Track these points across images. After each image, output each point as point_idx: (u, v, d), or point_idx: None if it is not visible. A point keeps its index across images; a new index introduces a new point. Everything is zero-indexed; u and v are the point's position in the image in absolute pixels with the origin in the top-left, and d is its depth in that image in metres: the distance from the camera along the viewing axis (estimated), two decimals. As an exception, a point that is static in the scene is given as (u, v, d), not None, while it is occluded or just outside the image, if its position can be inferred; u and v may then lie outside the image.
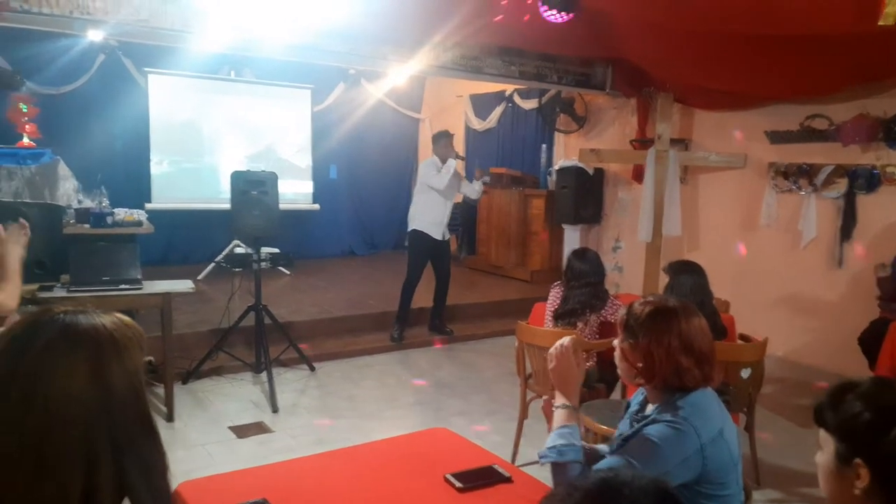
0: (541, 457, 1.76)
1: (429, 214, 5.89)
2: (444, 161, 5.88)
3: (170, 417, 4.13)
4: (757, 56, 4.94)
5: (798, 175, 5.91)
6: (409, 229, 5.98)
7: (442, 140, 5.99)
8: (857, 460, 1.13)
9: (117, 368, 0.93)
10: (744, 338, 3.79)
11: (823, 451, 1.21)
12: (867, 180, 5.43)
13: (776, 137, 6.04)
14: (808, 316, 5.91)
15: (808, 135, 5.80)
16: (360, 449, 2.16)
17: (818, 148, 5.76)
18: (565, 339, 1.88)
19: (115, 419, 0.91)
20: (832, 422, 1.18)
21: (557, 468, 1.72)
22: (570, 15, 4.73)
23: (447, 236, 6.07)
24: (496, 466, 1.92)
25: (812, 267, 5.89)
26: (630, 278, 7.26)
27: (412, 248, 6.02)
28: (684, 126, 6.92)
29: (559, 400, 1.85)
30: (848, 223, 5.60)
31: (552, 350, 1.87)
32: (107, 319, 0.96)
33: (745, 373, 3.42)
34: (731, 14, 4.05)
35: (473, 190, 6.15)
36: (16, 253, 2.20)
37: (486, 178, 6.24)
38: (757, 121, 6.19)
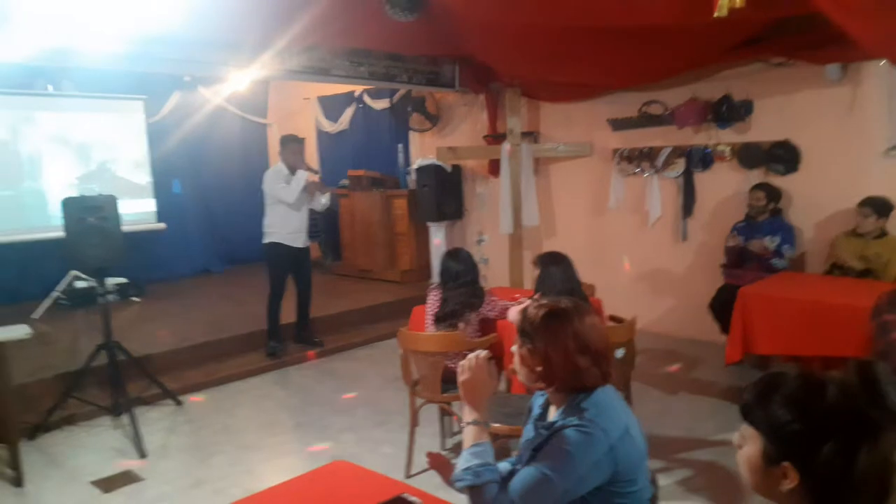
0: (456, 481, 1.69)
1: (286, 224, 5.58)
2: (291, 169, 5.52)
3: (18, 482, 3.62)
4: (594, 48, 5.17)
5: (640, 158, 6.30)
6: (266, 241, 5.63)
7: (290, 145, 5.61)
8: (786, 464, 1.13)
9: None
10: (614, 319, 3.95)
11: (748, 444, 1.20)
12: (702, 159, 5.90)
13: (618, 125, 6.40)
14: (662, 288, 6.34)
15: (646, 120, 6.20)
16: (256, 499, 1.97)
17: (656, 132, 6.17)
18: (480, 352, 1.84)
19: None
20: (760, 422, 1.17)
21: (474, 491, 1.66)
22: (415, 15, 4.71)
23: (307, 243, 5.80)
24: (405, 496, 1.83)
25: (660, 243, 6.31)
26: (496, 269, 7.41)
27: (271, 262, 5.70)
28: (532, 119, 7.16)
29: (469, 416, 1.79)
30: (688, 200, 6.05)
31: (464, 363, 1.81)
32: None
33: (620, 353, 3.57)
34: (565, 9, 4.19)
35: (318, 203, 5.79)
36: None
37: (327, 198, 5.84)
38: (599, 110, 6.52)
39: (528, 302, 1.92)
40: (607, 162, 6.58)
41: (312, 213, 8.92)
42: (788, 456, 1.13)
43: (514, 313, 3.74)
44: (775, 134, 5.47)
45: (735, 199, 5.65)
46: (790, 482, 1.12)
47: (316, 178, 6.11)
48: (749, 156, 5.62)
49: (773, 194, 5.16)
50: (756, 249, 4.96)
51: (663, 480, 3.47)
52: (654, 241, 6.36)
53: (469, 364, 1.80)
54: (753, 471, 1.19)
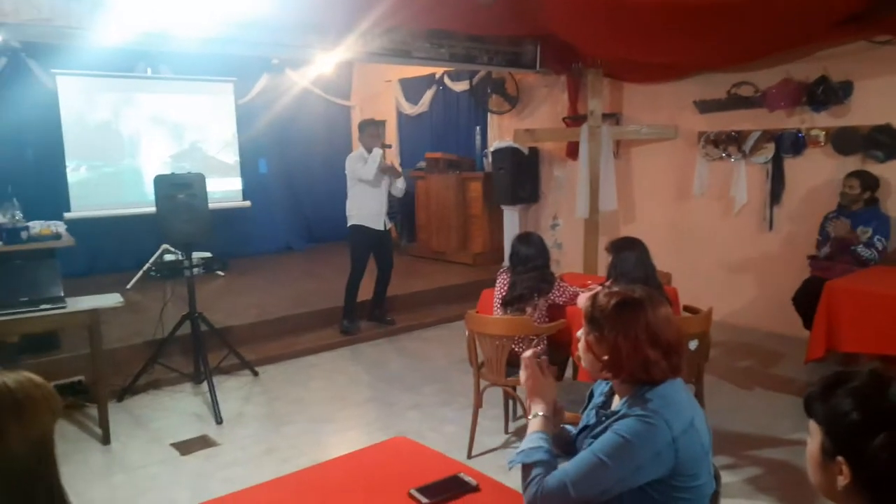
0: (510, 462, 1.71)
1: (366, 207, 5.74)
2: (369, 150, 5.69)
3: (106, 440, 3.90)
4: (683, 26, 4.97)
5: (727, 142, 6.03)
6: (349, 224, 5.81)
7: (367, 129, 5.79)
8: (840, 458, 1.11)
9: (17, 431, 0.80)
10: (688, 309, 3.82)
11: (811, 440, 1.19)
12: (793, 144, 5.58)
13: (705, 107, 6.14)
14: (744, 279, 6.08)
15: (735, 102, 5.92)
16: (318, 469, 2.04)
17: (745, 115, 5.88)
18: (527, 354, 1.83)
19: (14, 483, 0.78)
20: (820, 415, 1.16)
21: (525, 469, 1.67)
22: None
23: (388, 225, 5.93)
24: (461, 475, 1.84)
25: (745, 231, 6.04)
26: (570, 255, 7.32)
27: (354, 244, 5.86)
28: (615, 100, 6.97)
29: (534, 409, 1.79)
30: (777, 187, 5.75)
31: (522, 372, 1.83)
32: (11, 379, 0.83)
33: (693, 344, 3.46)
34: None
35: (396, 188, 5.96)
36: None
37: (402, 181, 5.97)
38: (685, 91, 6.28)
39: (598, 288, 1.88)
40: (692, 146, 6.34)
41: (390, 194, 9.09)
42: (843, 450, 1.12)
43: (583, 300, 3.68)
44: (876, 118, 5.11)
45: (828, 187, 5.32)
46: (844, 479, 1.11)
47: (390, 152, 6.21)
48: (845, 141, 5.28)
49: (870, 182, 4.83)
50: (840, 233, 4.65)
51: (731, 477, 3.35)
52: (738, 230, 6.09)
53: (524, 364, 1.82)
54: (815, 468, 1.19)
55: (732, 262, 6.15)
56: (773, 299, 5.57)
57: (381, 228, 5.80)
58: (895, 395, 1.11)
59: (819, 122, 5.44)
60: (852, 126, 5.25)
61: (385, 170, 5.77)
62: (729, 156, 6.03)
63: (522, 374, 1.82)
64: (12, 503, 0.80)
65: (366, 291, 5.99)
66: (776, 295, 5.42)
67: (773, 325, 5.64)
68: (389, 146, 5.92)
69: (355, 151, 5.86)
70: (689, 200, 6.42)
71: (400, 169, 6.11)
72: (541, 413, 1.77)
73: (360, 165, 5.65)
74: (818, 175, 5.48)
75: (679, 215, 6.53)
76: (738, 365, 5.11)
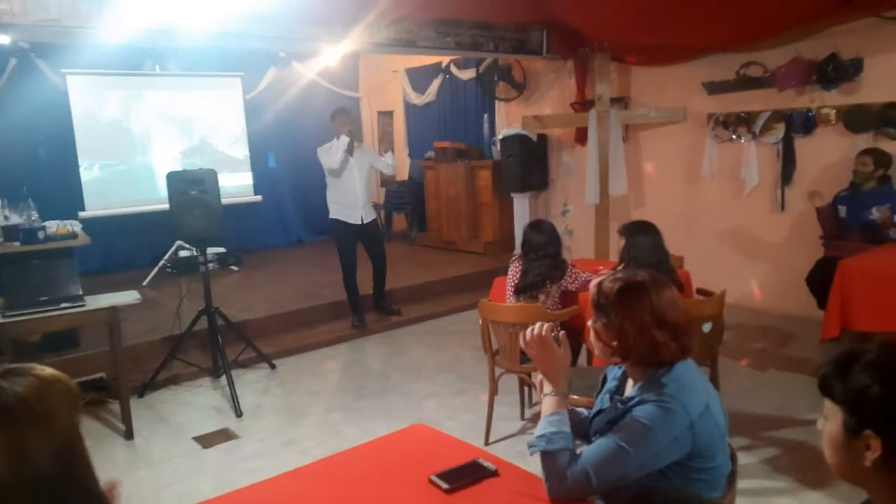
0: (530, 446, 1.72)
1: (341, 199, 5.65)
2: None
3: (129, 435, 3.97)
4: (689, 6, 4.95)
5: (737, 124, 6.00)
6: (329, 217, 5.73)
7: (338, 117, 5.65)
8: (868, 432, 1.11)
9: (37, 439, 0.79)
10: (702, 292, 3.83)
11: (829, 421, 1.18)
12: (804, 123, 5.55)
13: (713, 88, 6.11)
14: (757, 261, 6.06)
15: (744, 83, 5.88)
16: (338, 458, 2.07)
17: (755, 95, 5.84)
18: (536, 326, 1.80)
19: (43, 496, 0.78)
20: (839, 394, 1.15)
21: (547, 457, 1.67)
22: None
23: (368, 218, 5.74)
24: (480, 461, 1.86)
25: (756, 213, 6.02)
26: (581, 241, 7.32)
27: (335, 238, 5.82)
28: (622, 84, 6.94)
29: (546, 388, 1.80)
30: (787, 167, 5.72)
31: (527, 338, 1.81)
32: (20, 384, 0.82)
33: (707, 327, 3.46)
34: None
35: (385, 165, 5.78)
36: None
37: (390, 157, 5.72)
38: (694, 73, 6.24)
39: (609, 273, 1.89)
40: (701, 128, 6.30)
41: (399, 184, 9.04)
42: (870, 423, 1.10)
43: (594, 286, 3.69)
44: (888, 94, 5.07)
45: (839, 165, 5.28)
46: (873, 452, 1.10)
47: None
48: (857, 119, 5.24)
49: (883, 160, 4.79)
50: (880, 218, 4.60)
51: (748, 458, 3.37)
52: (749, 211, 6.07)
53: (532, 340, 1.79)
54: (836, 449, 1.17)
55: (745, 244, 6.13)
56: (786, 280, 5.56)
57: (359, 222, 5.65)
58: None
59: (829, 100, 5.40)
60: (864, 103, 5.20)
61: (352, 149, 5.55)
62: (739, 137, 6.00)
63: (533, 350, 1.80)
64: None
65: (368, 285, 6.00)
66: (790, 276, 5.41)
67: (788, 306, 5.63)
68: (352, 131, 5.64)
69: (326, 143, 5.68)
70: (700, 183, 6.39)
71: (387, 154, 5.89)
72: (555, 391, 1.78)
73: (327, 154, 5.56)
74: (829, 154, 5.44)
75: (690, 198, 6.51)
76: (751, 346, 5.11)
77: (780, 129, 5.70)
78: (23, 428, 0.78)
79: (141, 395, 4.55)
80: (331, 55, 7.84)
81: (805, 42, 5.41)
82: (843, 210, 4.84)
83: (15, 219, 5.03)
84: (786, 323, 5.53)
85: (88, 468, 0.86)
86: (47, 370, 0.87)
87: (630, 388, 1.79)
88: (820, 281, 4.63)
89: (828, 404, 1.19)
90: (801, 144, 5.64)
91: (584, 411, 1.99)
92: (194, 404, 4.47)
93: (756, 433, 3.66)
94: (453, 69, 8.50)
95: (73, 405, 0.84)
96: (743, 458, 3.33)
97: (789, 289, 5.43)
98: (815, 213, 4.98)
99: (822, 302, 4.48)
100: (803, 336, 5.13)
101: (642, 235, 3.44)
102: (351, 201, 5.65)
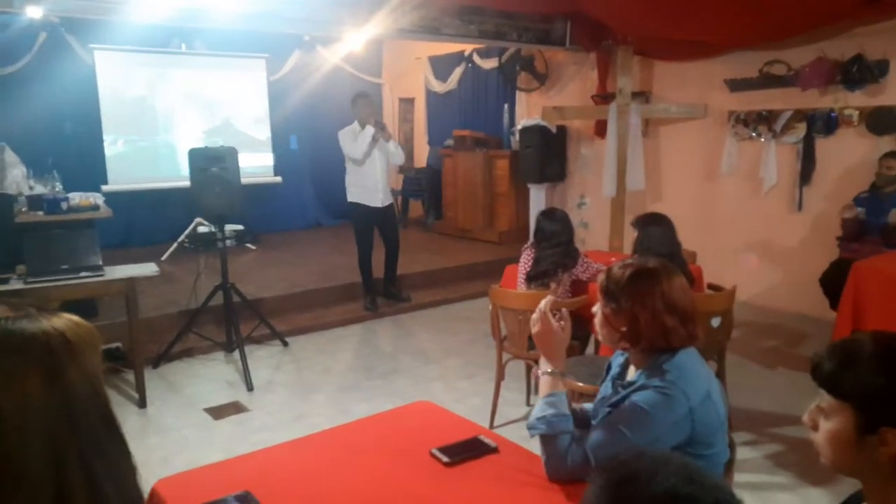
0: (530, 428, 1.74)
1: (361, 182, 5.69)
2: (363, 125, 5.59)
3: (142, 403, 4.06)
4: (716, 2, 4.91)
5: (757, 122, 5.96)
6: (348, 200, 5.79)
7: (359, 101, 5.68)
8: (885, 428, 1.08)
9: (74, 372, 0.86)
10: (712, 287, 3.84)
11: (832, 418, 1.14)
12: (825, 124, 5.50)
13: (736, 85, 6.07)
14: (771, 260, 6.04)
15: (766, 81, 5.83)
16: (343, 429, 2.11)
17: (777, 94, 5.80)
18: (542, 303, 1.84)
19: (78, 425, 0.85)
20: (849, 390, 1.12)
21: (547, 440, 1.70)
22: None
23: (387, 202, 5.82)
24: (482, 437, 1.91)
25: (773, 212, 5.99)
26: (596, 234, 7.32)
27: (354, 221, 5.87)
28: (644, 79, 6.91)
29: (544, 366, 1.82)
30: (807, 167, 5.68)
31: (534, 316, 1.84)
32: (57, 321, 0.89)
33: (716, 322, 3.47)
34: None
35: (396, 155, 5.80)
36: None
37: (394, 145, 5.75)
38: (716, 70, 6.20)
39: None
40: (721, 125, 6.27)
41: (417, 171, 9.09)
42: (887, 420, 1.08)
43: (603, 273, 3.70)
44: (913, 97, 5.02)
45: (860, 167, 5.24)
46: (891, 448, 1.08)
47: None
48: (880, 121, 5.19)
49: (906, 163, 4.75)
50: None
51: (751, 453, 3.38)
52: (766, 211, 6.04)
53: (537, 317, 1.82)
54: (843, 445, 1.13)
55: (760, 243, 6.10)
56: (801, 281, 5.53)
57: (379, 205, 5.72)
58: None
59: (853, 101, 5.35)
60: (888, 105, 5.15)
61: (379, 137, 5.59)
62: (759, 135, 5.96)
63: (534, 328, 1.83)
64: (79, 437, 0.86)
65: (381, 269, 6.05)
66: (804, 276, 5.38)
67: (801, 306, 5.61)
68: (384, 127, 5.70)
69: (348, 126, 5.71)
70: (718, 180, 6.36)
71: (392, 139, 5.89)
72: (553, 370, 1.81)
73: (351, 142, 5.60)
74: (850, 155, 5.40)
75: (707, 195, 6.49)
76: (762, 344, 5.10)
77: (801, 129, 5.66)
78: (64, 359, 0.84)
79: (155, 365, 4.65)
80: (355, 40, 7.87)
81: (830, 41, 5.36)
82: (862, 212, 4.81)
83: (39, 189, 5.16)
84: (798, 322, 5.51)
85: (107, 398, 0.92)
86: (75, 317, 0.93)
87: (632, 374, 1.82)
88: (834, 282, 4.60)
89: (828, 400, 1.15)
90: (822, 145, 5.59)
91: (588, 406, 2.01)
92: (207, 377, 4.56)
93: (760, 429, 3.68)
94: (475, 58, 8.50)
95: (97, 347, 0.91)
96: (746, 453, 3.35)
97: (803, 289, 5.40)
98: (835, 216, 4.94)
99: (834, 303, 4.45)
100: (815, 336, 5.12)
101: (655, 226, 3.45)
102: (371, 184, 5.70)
